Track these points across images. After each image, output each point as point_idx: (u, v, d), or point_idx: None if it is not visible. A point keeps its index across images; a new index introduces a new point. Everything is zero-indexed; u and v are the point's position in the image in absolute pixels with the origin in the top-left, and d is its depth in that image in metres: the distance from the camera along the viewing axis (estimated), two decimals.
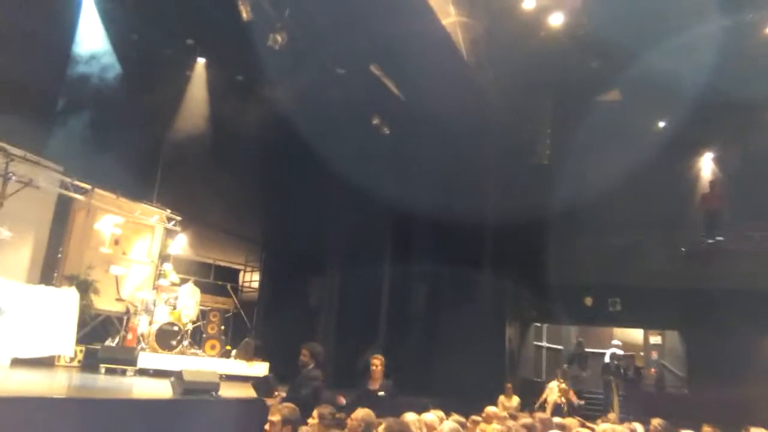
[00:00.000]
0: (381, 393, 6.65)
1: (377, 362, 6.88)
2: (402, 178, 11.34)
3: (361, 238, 11.56)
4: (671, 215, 13.89)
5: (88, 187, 10.42)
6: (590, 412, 10.70)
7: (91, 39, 10.34)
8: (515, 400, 10.95)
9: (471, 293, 12.31)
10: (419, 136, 11.37)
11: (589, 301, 14.02)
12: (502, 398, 10.90)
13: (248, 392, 7.11)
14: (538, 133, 12.85)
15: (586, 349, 15.32)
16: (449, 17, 9.86)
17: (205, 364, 9.84)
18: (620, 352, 14.85)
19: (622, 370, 13.79)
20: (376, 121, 11.15)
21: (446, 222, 11.44)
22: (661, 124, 13.88)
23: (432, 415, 4.93)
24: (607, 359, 14.24)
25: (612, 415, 9.82)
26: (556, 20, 10.87)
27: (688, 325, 13.33)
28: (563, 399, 10.90)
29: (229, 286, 14.17)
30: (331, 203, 11.94)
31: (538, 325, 16.06)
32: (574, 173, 12.17)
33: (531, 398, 11.66)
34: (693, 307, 12.66)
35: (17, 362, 8.01)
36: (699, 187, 14.36)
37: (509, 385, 11.04)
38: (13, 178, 8.72)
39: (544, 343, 16.87)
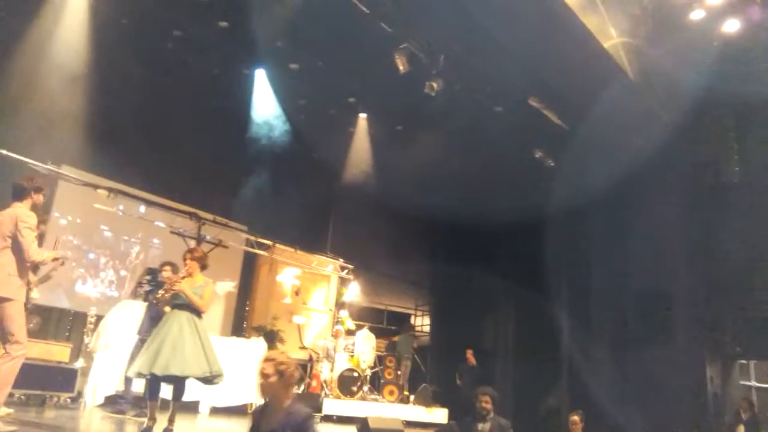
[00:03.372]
0: None
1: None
2: (573, 210, 10.81)
3: (534, 276, 11.13)
4: None
5: (270, 243, 11.20)
6: None
7: (265, 107, 11.27)
8: None
9: (663, 328, 11.21)
10: (586, 164, 10.82)
11: None
12: None
13: None
14: (722, 151, 11.61)
15: None
16: (610, 39, 9.39)
17: (385, 410, 9.93)
18: None
19: None
20: (539, 154, 10.82)
21: (628, 253, 10.67)
22: None
23: None
24: None
25: None
26: (732, 27, 9.91)
27: None
28: None
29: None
30: (499, 243, 11.69)
31: (744, 362, 14.26)
32: None
33: None
34: None
35: (215, 411, 8.65)
36: None
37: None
38: (207, 238, 9.61)
39: (753, 383, 14.94)
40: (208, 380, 5.65)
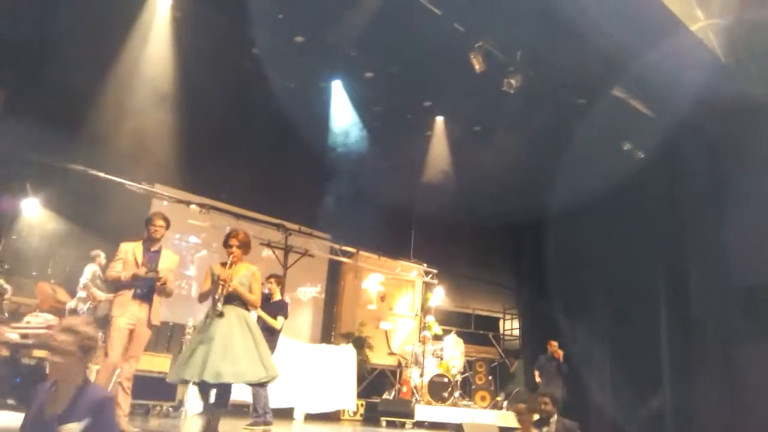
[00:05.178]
0: None
1: None
2: (667, 202, 10.25)
3: (628, 275, 10.63)
4: None
5: (354, 250, 11.32)
6: None
7: (342, 116, 11.42)
8: None
9: None
10: (679, 154, 10.25)
11: None
12: None
13: None
14: None
15: None
16: (698, 22, 8.86)
17: (478, 415, 9.76)
18: None
19: None
20: (627, 146, 10.36)
21: (729, 246, 9.99)
22: None
23: None
24: None
25: None
26: None
27: None
28: None
29: (490, 335, 14.09)
30: (589, 241, 11.25)
31: None
32: None
33: None
34: None
35: (309, 417, 8.78)
36: None
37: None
38: (293, 249, 9.82)
39: None
40: (262, 384, 5.19)
